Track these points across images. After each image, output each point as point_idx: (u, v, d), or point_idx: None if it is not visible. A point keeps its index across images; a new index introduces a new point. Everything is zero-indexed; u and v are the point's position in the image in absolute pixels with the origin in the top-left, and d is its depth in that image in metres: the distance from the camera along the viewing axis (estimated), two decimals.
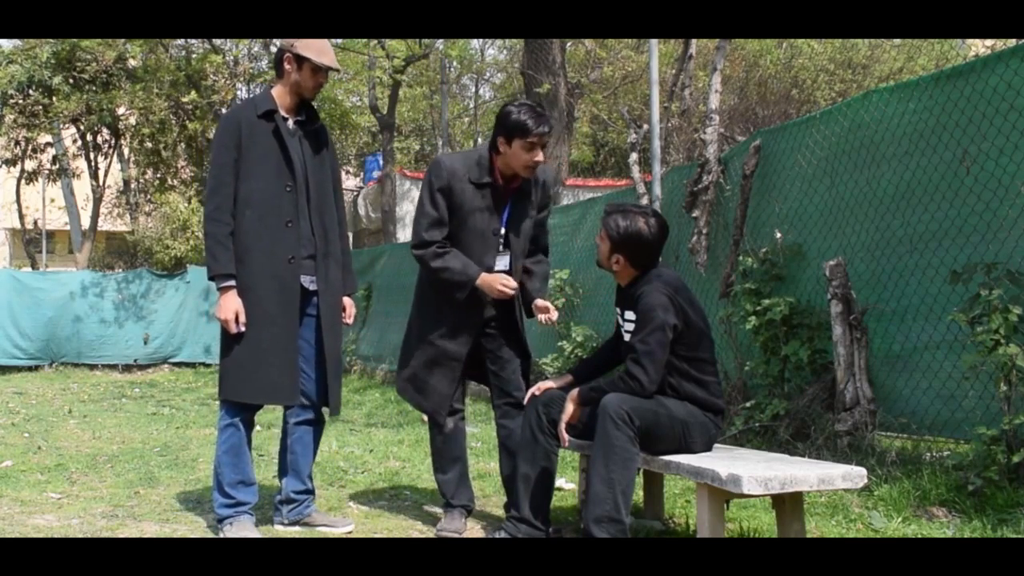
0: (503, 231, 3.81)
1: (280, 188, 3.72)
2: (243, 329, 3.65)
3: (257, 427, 6.22)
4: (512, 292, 3.73)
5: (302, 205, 3.76)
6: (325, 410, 3.97)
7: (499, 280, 3.71)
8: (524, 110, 3.67)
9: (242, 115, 3.75)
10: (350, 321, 4.02)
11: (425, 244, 3.76)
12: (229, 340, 3.69)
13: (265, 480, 4.57)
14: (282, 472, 3.98)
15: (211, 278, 3.69)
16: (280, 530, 3.91)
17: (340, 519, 4.00)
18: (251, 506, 3.76)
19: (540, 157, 3.71)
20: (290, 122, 3.80)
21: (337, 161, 4.09)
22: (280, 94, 3.79)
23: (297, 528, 3.91)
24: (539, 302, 3.87)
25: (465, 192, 3.74)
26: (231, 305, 3.63)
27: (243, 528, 3.68)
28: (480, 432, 6.45)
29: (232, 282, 3.64)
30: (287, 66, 3.76)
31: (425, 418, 7.45)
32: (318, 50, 3.74)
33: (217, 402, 3.84)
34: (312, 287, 3.82)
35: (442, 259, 3.74)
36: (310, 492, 3.97)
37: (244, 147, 3.68)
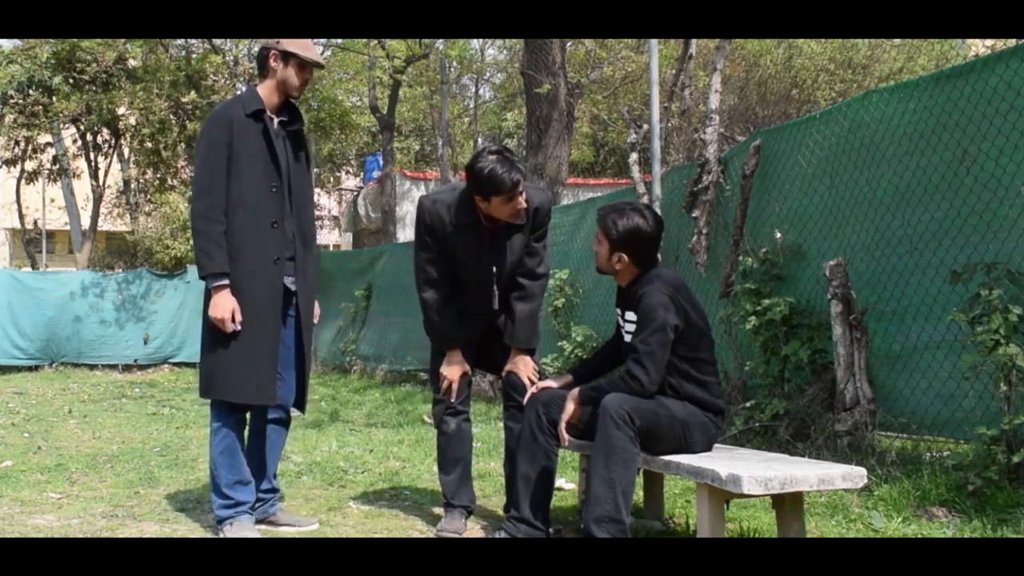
0: (494, 268, 3.78)
1: (267, 188, 3.71)
2: (239, 328, 3.63)
3: None
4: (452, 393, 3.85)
5: (285, 206, 3.76)
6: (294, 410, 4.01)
7: (450, 375, 3.83)
8: (493, 166, 3.57)
9: (232, 114, 3.71)
10: (316, 320, 4.03)
11: (431, 283, 3.79)
12: (221, 339, 3.65)
13: None
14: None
15: (203, 277, 3.64)
16: None
17: (305, 518, 4.00)
18: (250, 505, 3.76)
19: (522, 203, 3.66)
20: (275, 122, 3.79)
21: (313, 161, 4.10)
22: (266, 93, 3.77)
23: (262, 527, 3.90)
24: (510, 368, 3.88)
25: (449, 235, 3.72)
26: (227, 304, 3.60)
27: (243, 528, 3.68)
28: (480, 432, 6.45)
29: (226, 280, 3.61)
30: (273, 64, 3.74)
31: (426, 418, 7.46)
32: (303, 46, 3.74)
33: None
34: (293, 287, 3.83)
35: (440, 317, 3.80)
36: (275, 491, 3.98)
37: (235, 146, 3.65)
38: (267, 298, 3.69)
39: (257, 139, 3.70)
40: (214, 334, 3.66)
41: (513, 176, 3.58)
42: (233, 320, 3.61)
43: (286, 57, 3.72)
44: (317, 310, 4.04)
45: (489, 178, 3.57)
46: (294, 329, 3.86)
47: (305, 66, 3.76)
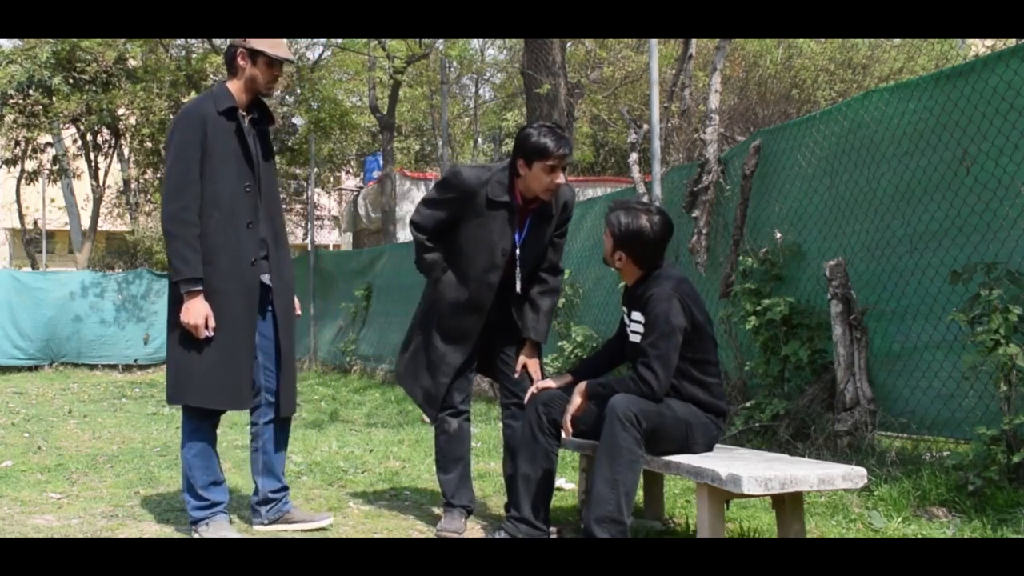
0: (518, 251, 3.75)
1: (241, 189, 3.65)
2: (211, 334, 3.56)
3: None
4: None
5: (259, 206, 3.72)
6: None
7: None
8: (544, 132, 3.63)
9: (205, 111, 3.62)
10: (299, 313, 4.01)
11: (421, 228, 3.82)
12: (194, 344, 3.56)
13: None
14: (255, 473, 3.95)
15: (176, 282, 3.54)
16: (260, 530, 3.90)
17: (319, 514, 4.00)
18: (224, 505, 3.74)
19: (561, 179, 3.66)
20: (246, 120, 3.74)
21: (274, 160, 4.06)
22: (235, 91, 3.70)
23: (278, 526, 3.89)
24: (527, 360, 3.87)
25: (478, 208, 3.71)
26: (201, 310, 3.52)
27: (219, 528, 3.66)
28: (480, 432, 6.45)
29: (200, 286, 3.53)
30: (240, 62, 3.68)
31: (426, 418, 7.45)
32: (271, 44, 3.67)
33: None
34: (269, 283, 3.80)
35: (430, 254, 3.82)
36: (286, 489, 3.97)
37: (209, 145, 3.58)
38: (243, 302, 3.64)
39: (230, 138, 3.64)
40: (185, 339, 3.58)
41: (562, 147, 3.61)
42: (206, 326, 3.55)
43: (254, 55, 3.66)
44: (297, 304, 4.02)
45: (538, 142, 3.61)
46: (272, 325, 3.81)
47: (273, 64, 3.68)
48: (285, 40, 3.81)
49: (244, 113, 3.73)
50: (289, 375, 3.86)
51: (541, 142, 3.60)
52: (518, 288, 3.82)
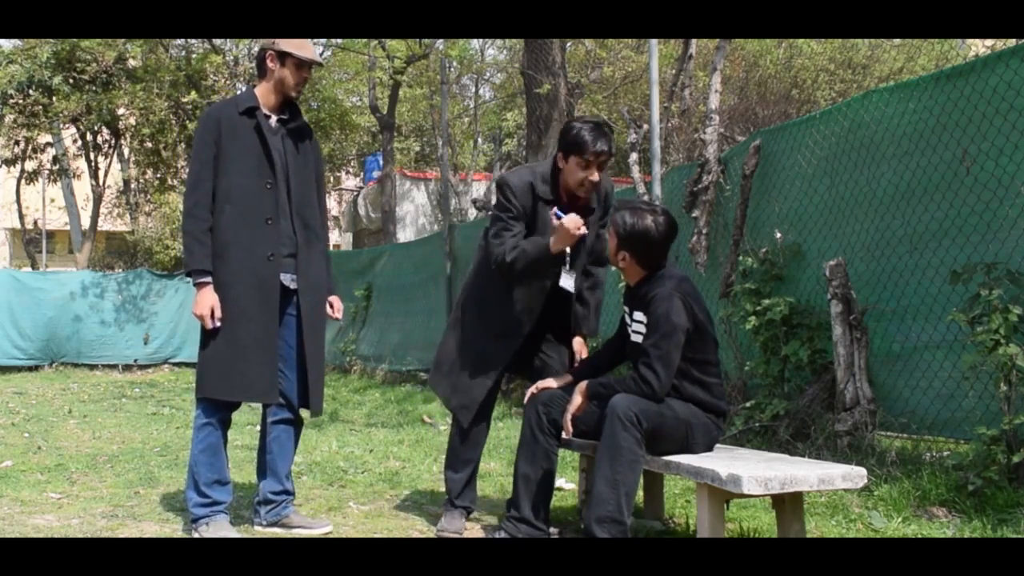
0: (567, 251, 3.68)
1: (260, 185, 3.71)
2: (219, 325, 3.63)
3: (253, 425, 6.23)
4: (582, 231, 3.57)
5: (283, 203, 3.75)
6: (304, 411, 3.97)
7: (573, 225, 3.55)
8: (585, 127, 3.59)
9: (222, 112, 3.74)
10: (339, 316, 4.02)
11: (503, 255, 3.66)
12: (206, 337, 3.68)
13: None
14: (260, 473, 3.97)
15: (187, 274, 3.69)
16: (259, 531, 3.90)
17: (317, 520, 3.98)
18: (226, 505, 3.75)
19: (595, 177, 3.62)
20: (273, 120, 3.79)
21: (322, 160, 4.08)
22: (264, 93, 3.79)
23: (275, 529, 3.89)
24: (580, 348, 3.91)
25: (532, 206, 3.68)
26: (207, 300, 3.61)
27: (220, 528, 3.66)
28: None
29: (208, 278, 3.63)
30: (270, 64, 3.76)
31: (427, 418, 7.46)
32: (299, 45, 3.75)
33: None
34: (293, 285, 3.81)
35: (515, 251, 3.65)
36: (288, 493, 3.95)
37: (224, 143, 3.67)
38: (256, 294, 3.67)
39: (249, 136, 3.71)
40: (204, 333, 3.69)
41: (599, 144, 3.57)
42: (213, 317, 3.62)
43: (282, 57, 3.74)
44: (339, 305, 4.04)
45: (577, 136, 3.58)
46: (295, 328, 3.83)
47: (302, 65, 3.77)
48: (311, 41, 3.85)
49: (269, 113, 3.79)
50: (316, 375, 3.86)
51: (580, 136, 3.57)
52: (566, 285, 3.75)
